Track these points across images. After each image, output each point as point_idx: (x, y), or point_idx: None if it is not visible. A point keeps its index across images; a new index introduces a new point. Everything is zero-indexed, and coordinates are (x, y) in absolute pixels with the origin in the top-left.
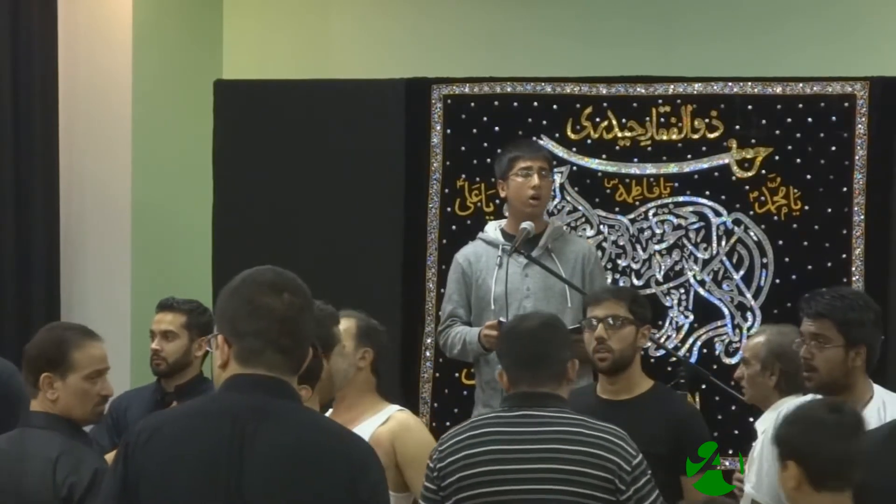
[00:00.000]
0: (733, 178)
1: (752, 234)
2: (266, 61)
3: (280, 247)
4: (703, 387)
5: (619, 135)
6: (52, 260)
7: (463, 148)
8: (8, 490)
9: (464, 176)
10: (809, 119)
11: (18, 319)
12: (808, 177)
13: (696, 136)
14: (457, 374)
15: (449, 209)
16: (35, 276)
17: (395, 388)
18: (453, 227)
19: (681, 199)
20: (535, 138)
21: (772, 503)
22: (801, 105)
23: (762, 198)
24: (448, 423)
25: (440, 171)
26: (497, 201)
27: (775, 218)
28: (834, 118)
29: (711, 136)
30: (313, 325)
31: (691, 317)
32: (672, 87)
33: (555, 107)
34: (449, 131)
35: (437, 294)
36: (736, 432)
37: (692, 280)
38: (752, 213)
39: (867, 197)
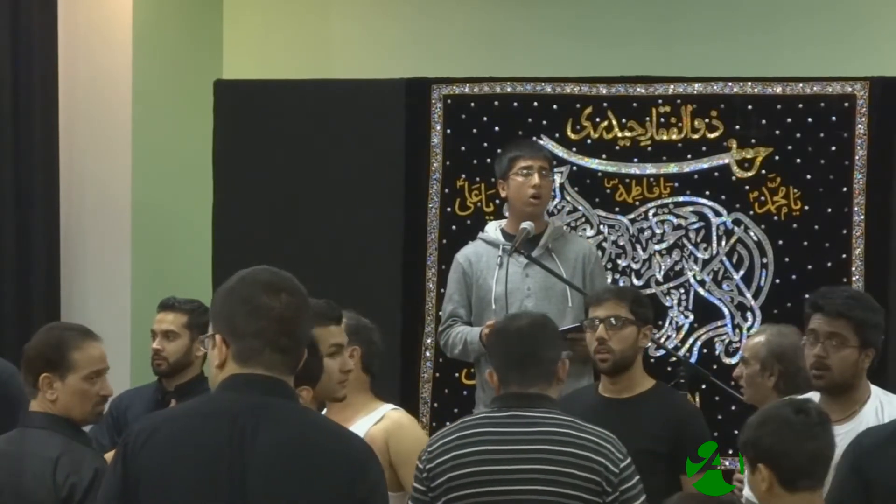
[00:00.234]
0: (733, 178)
1: (752, 234)
2: (266, 61)
3: (280, 247)
4: (703, 387)
5: (619, 135)
6: (52, 260)
7: (463, 148)
8: (8, 490)
9: (464, 176)
10: (809, 119)
11: (18, 319)
12: (808, 177)
13: (696, 136)
14: (457, 374)
15: (449, 209)
16: (35, 276)
17: (395, 388)
18: (453, 227)
19: (681, 199)
20: (535, 138)
21: None
22: (801, 105)
23: (762, 198)
24: (448, 423)
25: (440, 171)
26: (497, 201)
27: (775, 218)
28: (834, 118)
29: (711, 136)
30: (310, 325)
31: (691, 317)
32: (672, 87)
33: (555, 107)
34: (449, 131)
35: (437, 294)
36: (736, 432)
37: (692, 280)
38: (752, 213)
39: (867, 197)
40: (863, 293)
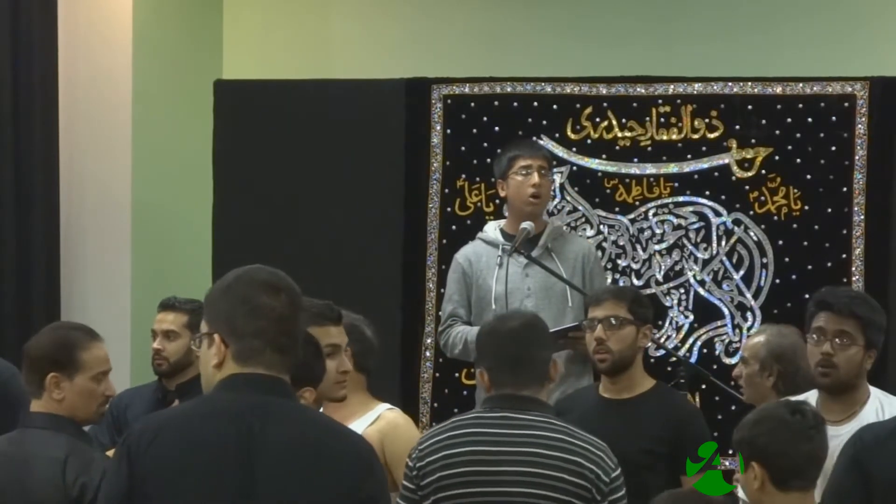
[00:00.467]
0: (733, 178)
1: (752, 234)
2: (266, 61)
3: (280, 246)
4: (703, 387)
5: (619, 135)
6: (52, 260)
7: (463, 148)
8: (12, 492)
9: (464, 176)
10: (809, 119)
11: (18, 319)
12: (808, 177)
13: (696, 136)
14: (457, 374)
15: (449, 209)
16: (35, 276)
17: (395, 388)
18: (453, 227)
19: (681, 199)
20: (535, 138)
21: None
22: (800, 105)
23: (762, 198)
24: None
25: (440, 171)
26: (497, 201)
27: (775, 218)
28: (834, 118)
29: (711, 136)
30: (306, 324)
31: (691, 317)
32: (672, 87)
33: (555, 107)
34: (449, 131)
35: (437, 294)
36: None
37: (692, 280)
38: (752, 213)
39: (867, 197)
40: (865, 294)
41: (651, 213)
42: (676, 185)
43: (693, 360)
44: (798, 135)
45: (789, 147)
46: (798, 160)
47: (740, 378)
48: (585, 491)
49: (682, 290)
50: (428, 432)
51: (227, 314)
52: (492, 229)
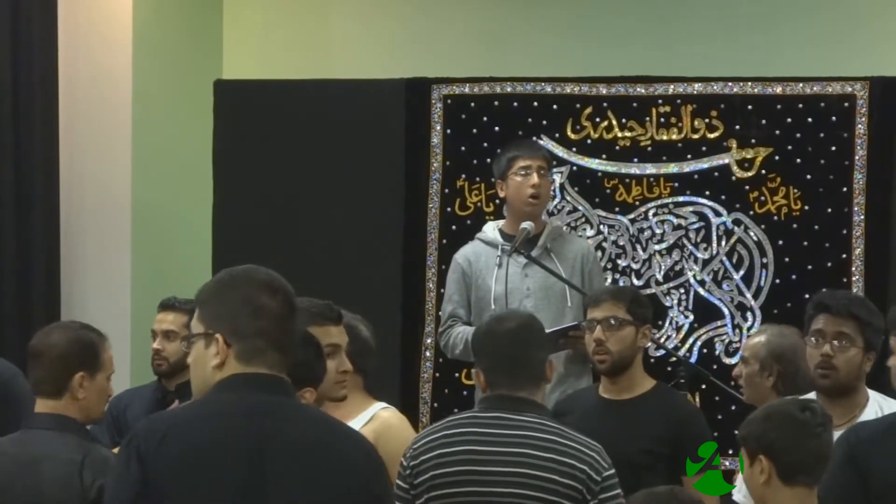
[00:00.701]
0: (733, 178)
1: (752, 234)
2: (266, 61)
3: (280, 246)
4: (703, 387)
5: (619, 135)
6: (52, 260)
7: (463, 148)
8: (20, 493)
9: (464, 176)
10: (809, 119)
11: (18, 319)
12: (808, 177)
13: (696, 136)
14: (457, 374)
15: (449, 209)
16: (35, 276)
17: (395, 388)
18: (453, 227)
19: (681, 199)
20: (534, 138)
21: None
22: (800, 105)
23: (762, 198)
24: None
25: (440, 171)
26: (497, 201)
27: (775, 218)
28: (834, 118)
29: (711, 136)
30: (302, 325)
31: (691, 317)
32: (672, 87)
33: (555, 107)
34: (449, 131)
35: (437, 294)
36: (736, 432)
37: (692, 280)
38: (752, 213)
39: (867, 197)
40: (864, 297)
41: (651, 213)
42: (676, 185)
43: (693, 360)
44: (798, 135)
45: (789, 147)
46: (798, 160)
47: (740, 378)
48: (576, 492)
49: (682, 290)
50: (423, 431)
51: (230, 315)
52: (490, 230)
